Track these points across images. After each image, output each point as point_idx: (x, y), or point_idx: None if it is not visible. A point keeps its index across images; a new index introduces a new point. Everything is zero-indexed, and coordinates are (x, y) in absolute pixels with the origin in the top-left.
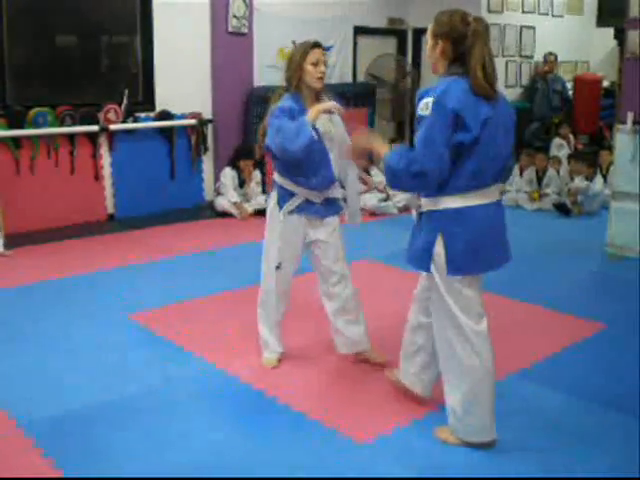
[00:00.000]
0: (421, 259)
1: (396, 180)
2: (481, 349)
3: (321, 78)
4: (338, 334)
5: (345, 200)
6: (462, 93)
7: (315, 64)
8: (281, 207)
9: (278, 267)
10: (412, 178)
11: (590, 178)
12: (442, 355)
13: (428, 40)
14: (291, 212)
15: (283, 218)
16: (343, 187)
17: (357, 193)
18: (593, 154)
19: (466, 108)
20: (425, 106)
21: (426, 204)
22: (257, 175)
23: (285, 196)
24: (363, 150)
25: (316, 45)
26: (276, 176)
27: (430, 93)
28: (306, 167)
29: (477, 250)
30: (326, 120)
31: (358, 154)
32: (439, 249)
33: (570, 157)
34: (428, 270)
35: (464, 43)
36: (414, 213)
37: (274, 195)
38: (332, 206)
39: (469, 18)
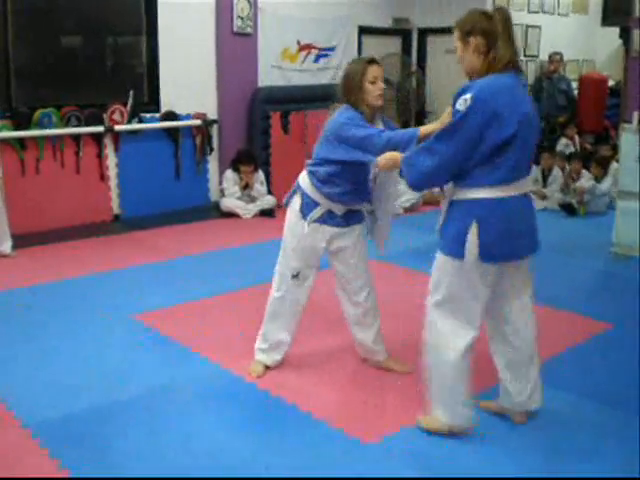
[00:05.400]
0: (454, 245)
1: (413, 173)
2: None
3: (381, 95)
4: (356, 340)
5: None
6: (505, 90)
7: (373, 82)
8: (304, 215)
9: (295, 276)
10: (426, 170)
11: (599, 179)
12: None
13: (457, 47)
14: (313, 221)
15: (308, 227)
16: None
17: (389, 226)
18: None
19: (506, 106)
20: (464, 102)
21: (462, 193)
22: (260, 175)
23: (309, 204)
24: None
25: (372, 61)
26: (306, 184)
27: (470, 90)
28: (356, 179)
29: (509, 238)
30: None
31: (391, 166)
32: (473, 236)
33: (586, 159)
34: (461, 256)
35: (493, 33)
36: (443, 203)
37: (297, 201)
38: (353, 217)
39: (488, 11)
